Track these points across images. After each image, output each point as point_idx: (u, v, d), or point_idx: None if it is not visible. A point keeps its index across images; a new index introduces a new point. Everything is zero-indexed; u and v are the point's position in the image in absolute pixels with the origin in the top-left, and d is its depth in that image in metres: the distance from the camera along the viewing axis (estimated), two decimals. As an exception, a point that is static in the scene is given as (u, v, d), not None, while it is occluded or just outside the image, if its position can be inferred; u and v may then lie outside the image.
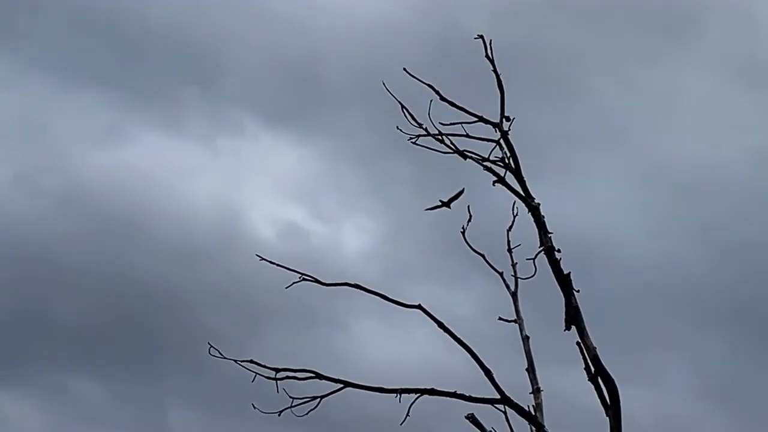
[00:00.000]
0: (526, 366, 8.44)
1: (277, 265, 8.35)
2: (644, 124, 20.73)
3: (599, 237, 18.21)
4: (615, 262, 18.70)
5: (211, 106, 22.61)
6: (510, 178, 8.00)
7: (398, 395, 7.97)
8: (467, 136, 8.05)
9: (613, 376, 7.68)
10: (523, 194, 7.98)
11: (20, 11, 22.79)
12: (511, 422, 7.97)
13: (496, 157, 8.01)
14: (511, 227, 8.81)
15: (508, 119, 8.03)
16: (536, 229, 7.94)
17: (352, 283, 8.36)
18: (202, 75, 22.61)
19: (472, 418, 7.92)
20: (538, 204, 7.95)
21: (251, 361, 8.12)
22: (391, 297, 8.29)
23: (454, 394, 7.95)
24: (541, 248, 7.90)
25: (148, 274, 20.74)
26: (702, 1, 21.00)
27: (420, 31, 19.43)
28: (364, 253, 19.43)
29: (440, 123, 8.04)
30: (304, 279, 8.33)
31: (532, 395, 8.31)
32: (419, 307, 8.22)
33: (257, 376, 8.10)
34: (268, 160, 22.20)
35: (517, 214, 8.57)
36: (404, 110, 8.08)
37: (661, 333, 18.54)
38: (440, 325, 8.13)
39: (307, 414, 8.08)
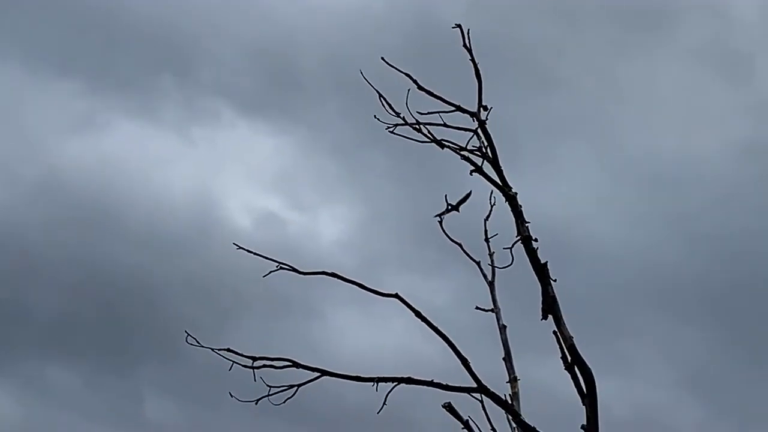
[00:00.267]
0: (503, 355, 8.45)
1: (254, 253, 8.33)
2: (620, 115, 20.80)
3: (576, 227, 18.26)
4: (592, 252, 18.77)
5: (186, 94, 22.56)
6: (487, 168, 7.99)
7: (375, 384, 7.95)
8: (445, 125, 8.03)
9: (589, 365, 7.69)
10: (500, 184, 7.97)
11: (-5, -1, 22.69)
12: (487, 411, 7.97)
13: (473, 146, 8.00)
14: (488, 217, 8.83)
15: (485, 109, 8.02)
16: (513, 219, 7.93)
17: (329, 272, 8.34)
18: (178, 64, 22.56)
19: (449, 407, 7.92)
20: (516, 193, 7.94)
21: (228, 350, 8.09)
22: (368, 286, 8.28)
23: (431, 383, 7.94)
24: (518, 238, 7.90)
25: (125, 262, 20.69)
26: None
27: (397, 20, 19.42)
28: (341, 242, 19.43)
29: (418, 112, 8.02)
30: (281, 268, 8.31)
31: (509, 384, 8.32)
32: (396, 296, 8.20)
33: (234, 364, 8.08)
34: (244, 149, 22.19)
35: (494, 204, 8.59)
36: (381, 99, 8.04)
37: (636, 322, 18.64)
38: (417, 314, 8.12)
39: (284, 402, 8.07)
